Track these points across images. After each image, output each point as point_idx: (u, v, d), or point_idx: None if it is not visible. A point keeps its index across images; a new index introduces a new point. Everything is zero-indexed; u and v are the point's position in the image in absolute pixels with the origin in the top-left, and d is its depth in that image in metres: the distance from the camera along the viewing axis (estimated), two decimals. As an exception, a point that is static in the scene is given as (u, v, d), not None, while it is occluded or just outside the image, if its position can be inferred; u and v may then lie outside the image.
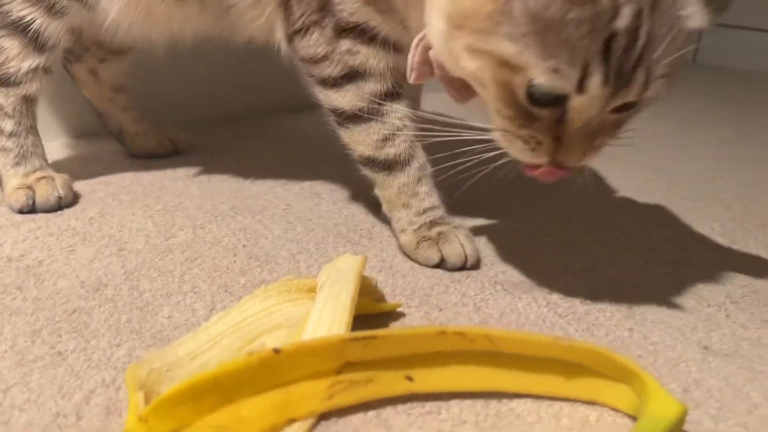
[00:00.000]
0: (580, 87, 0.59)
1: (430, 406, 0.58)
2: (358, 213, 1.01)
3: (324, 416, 0.56)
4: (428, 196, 0.85)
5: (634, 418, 0.56)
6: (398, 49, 0.79)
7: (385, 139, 0.80)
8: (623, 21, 0.56)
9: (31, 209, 0.93)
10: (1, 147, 0.96)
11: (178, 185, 1.09)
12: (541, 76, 0.59)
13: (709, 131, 1.63)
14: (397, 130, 0.80)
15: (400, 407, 0.58)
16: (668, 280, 0.83)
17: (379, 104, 0.77)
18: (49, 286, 0.76)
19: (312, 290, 0.69)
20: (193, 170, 1.15)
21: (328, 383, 0.56)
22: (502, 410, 0.58)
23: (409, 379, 0.57)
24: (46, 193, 0.94)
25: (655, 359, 0.66)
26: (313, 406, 0.55)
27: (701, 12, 0.60)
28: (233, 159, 1.22)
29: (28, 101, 0.96)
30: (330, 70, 0.77)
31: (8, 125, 0.95)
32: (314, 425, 0.55)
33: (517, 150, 0.66)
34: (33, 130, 0.98)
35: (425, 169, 0.84)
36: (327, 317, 0.60)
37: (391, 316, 0.72)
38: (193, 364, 0.60)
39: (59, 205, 0.95)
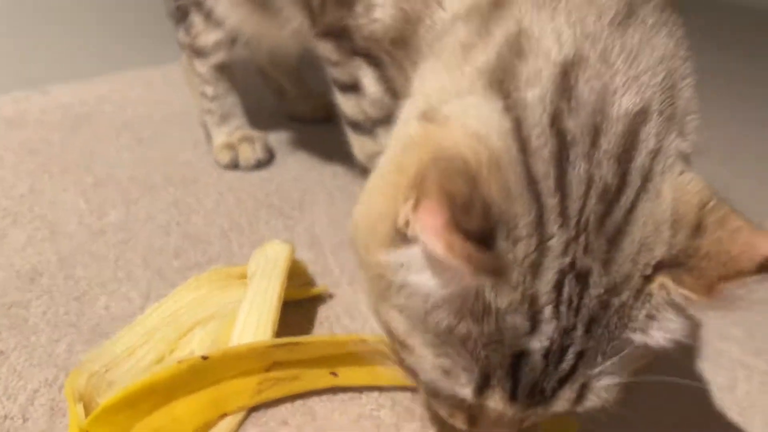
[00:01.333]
0: (479, 395, 0.47)
1: (351, 393, 0.64)
2: (288, 180, 1.04)
3: (254, 408, 0.62)
4: None
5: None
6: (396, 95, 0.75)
7: (375, 156, 0.81)
8: (541, 341, 0.44)
9: (234, 167, 1.06)
10: (207, 109, 1.10)
11: (110, 152, 1.09)
12: (430, 371, 0.48)
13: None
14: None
15: (324, 396, 0.64)
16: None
17: (372, 125, 0.78)
18: (-15, 276, 0.78)
19: (242, 276, 0.73)
20: (123, 136, 1.15)
21: (258, 380, 0.61)
22: (415, 395, 0.65)
23: (334, 374, 0.63)
24: (247, 155, 1.07)
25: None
26: (243, 401, 0.61)
27: (673, 329, 0.45)
28: (165, 125, 1.22)
29: (221, 69, 1.07)
30: (340, 75, 0.79)
31: (209, 90, 1.08)
32: (245, 418, 0.61)
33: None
34: (231, 92, 1.10)
35: None
36: (254, 317, 0.65)
37: (320, 298, 0.77)
38: (131, 360, 0.64)
39: (258, 166, 1.07)
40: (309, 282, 0.78)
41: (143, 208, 0.94)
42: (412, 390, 0.65)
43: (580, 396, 0.46)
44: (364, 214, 0.51)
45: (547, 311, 0.44)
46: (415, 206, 0.40)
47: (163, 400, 0.57)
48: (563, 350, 0.45)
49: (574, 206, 0.44)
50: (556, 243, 0.44)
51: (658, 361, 0.48)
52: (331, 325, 0.74)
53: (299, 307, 0.74)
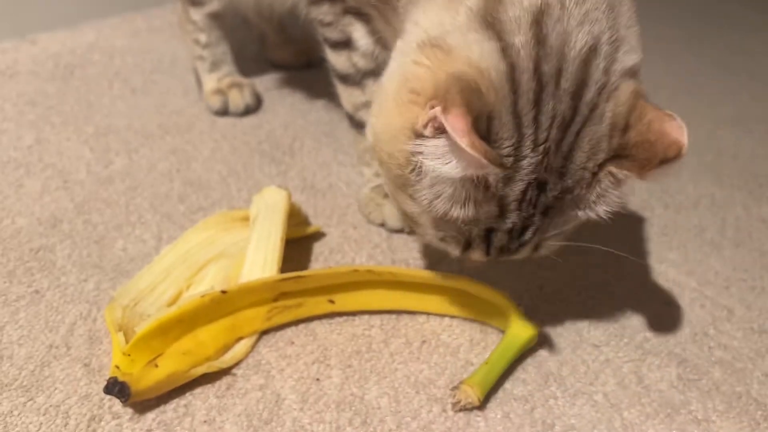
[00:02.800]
0: (464, 252, 0.65)
1: (345, 317, 0.75)
2: (278, 127, 1.12)
3: (264, 332, 0.73)
4: None
5: (502, 331, 0.73)
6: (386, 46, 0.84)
7: (362, 106, 0.89)
8: (506, 224, 0.61)
9: (224, 113, 1.14)
10: (199, 55, 1.17)
11: (105, 102, 1.15)
12: (431, 238, 0.67)
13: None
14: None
15: (324, 320, 0.75)
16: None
17: (362, 77, 0.86)
18: (9, 225, 0.86)
19: (245, 219, 0.83)
20: (115, 86, 1.21)
21: (267, 309, 0.72)
22: (401, 316, 0.76)
23: (331, 301, 0.74)
24: (237, 101, 1.14)
25: (521, 263, 0.85)
26: (255, 326, 0.72)
27: (613, 203, 0.61)
28: (155, 74, 1.27)
29: (215, 17, 1.14)
30: (332, 34, 0.86)
31: (202, 37, 1.15)
32: (257, 340, 0.72)
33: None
34: (223, 41, 1.17)
35: None
36: (260, 255, 0.74)
37: (314, 236, 0.87)
38: (153, 294, 0.74)
39: (247, 111, 1.15)
40: (304, 222, 0.88)
41: (144, 156, 1.02)
42: (397, 312, 0.76)
43: (535, 250, 0.65)
44: (383, 127, 0.63)
45: (513, 206, 0.60)
46: (444, 111, 0.53)
47: (189, 328, 0.68)
48: (524, 229, 0.62)
49: (541, 136, 0.58)
50: (526, 164, 0.58)
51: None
52: (326, 258, 0.84)
53: (297, 244, 0.84)
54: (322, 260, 0.84)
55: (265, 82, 1.26)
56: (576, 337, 0.75)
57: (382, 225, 0.91)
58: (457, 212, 0.59)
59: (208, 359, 0.68)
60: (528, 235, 0.62)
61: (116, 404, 0.64)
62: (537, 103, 0.57)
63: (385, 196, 0.89)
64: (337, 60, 0.87)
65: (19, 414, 0.63)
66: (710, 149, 1.17)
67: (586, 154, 0.59)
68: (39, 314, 0.74)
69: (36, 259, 0.81)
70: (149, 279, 0.76)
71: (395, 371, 0.70)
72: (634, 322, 0.78)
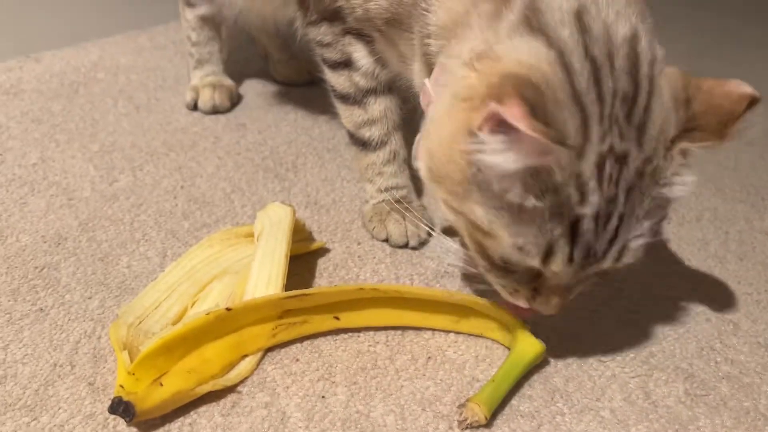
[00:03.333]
0: (545, 262, 0.60)
1: (350, 333, 0.75)
2: (282, 143, 1.12)
3: (269, 349, 0.73)
4: (393, 177, 0.93)
5: (508, 348, 0.73)
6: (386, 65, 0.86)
7: (363, 124, 0.90)
8: (590, 208, 0.57)
9: (193, 108, 1.21)
10: (189, 52, 1.24)
11: (110, 120, 1.16)
12: (508, 248, 0.61)
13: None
14: (376, 120, 0.89)
15: (329, 337, 0.75)
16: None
17: (363, 96, 0.88)
18: (14, 242, 0.86)
19: (249, 235, 0.83)
20: (120, 104, 1.22)
21: (272, 326, 0.72)
22: (406, 332, 0.76)
23: (337, 318, 0.74)
24: (204, 98, 1.20)
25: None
26: (260, 343, 0.71)
27: (688, 182, 0.62)
28: (159, 91, 1.28)
29: (205, 19, 1.21)
30: (331, 54, 0.87)
31: (192, 35, 1.22)
32: (262, 357, 0.72)
33: (498, 288, 0.69)
34: (211, 42, 1.23)
35: (397, 154, 0.93)
36: (265, 272, 0.74)
37: (318, 252, 0.87)
38: (158, 312, 0.74)
39: (214, 111, 1.20)
40: (308, 238, 0.88)
41: (149, 173, 1.02)
42: (402, 329, 0.76)
43: (620, 255, 0.61)
44: (436, 144, 0.64)
45: (592, 184, 0.57)
46: (500, 104, 0.53)
47: (194, 346, 0.68)
48: (609, 215, 0.59)
49: (606, 111, 0.58)
50: (595, 137, 0.57)
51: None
52: (330, 274, 0.84)
53: (301, 260, 0.84)
54: (327, 276, 0.84)
55: (269, 99, 1.26)
56: (582, 352, 0.75)
57: (386, 240, 0.90)
58: (533, 203, 0.57)
59: (213, 377, 0.68)
60: (613, 223, 0.59)
61: (121, 423, 0.64)
62: (596, 82, 0.58)
63: (389, 212, 0.89)
64: (336, 80, 0.88)
65: (23, 434, 0.63)
66: (711, 161, 1.17)
67: (658, 126, 0.60)
68: (43, 332, 0.74)
69: (40, 277, 0.81)
70: (154, 296, 0.76)
71: (401, 388, 0.69)
72: (639, 337, 0.77)
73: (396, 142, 0.92)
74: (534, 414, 0.67)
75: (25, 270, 0.82)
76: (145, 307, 0.74)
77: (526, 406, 0.68)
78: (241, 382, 0.69)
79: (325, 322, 0.74)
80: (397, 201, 0.90)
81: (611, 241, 0.60)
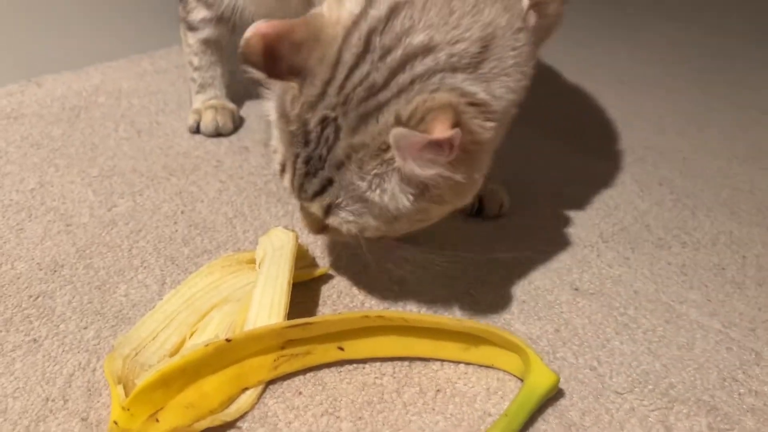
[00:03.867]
0: (281, 175, 0.73)
1: (355, 364, 0.72)
2: (285, 167, 1.10)
3: (271, 382, 0.70)
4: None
5: (521, 379, 0.70)
6: None
7: None
8: (305, 152, 0.68)
9: (196, 131, 1.20)
10: (191, 77, 1.24)
11: (110, 144, 1.14)
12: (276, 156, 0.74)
13: (587, 42, 1.75)
14: None
15: (333, 368, 0.72)
16: (553, 222, 0.99)
17: None
18: (8, 270, 0.84)
19: (251, 262, 0.80)
20: (121, 128, 1.20)
21: (274, 357, 0.69)
22: (413, 363, 0.73)
23: (341, 348, 0.71)
24: (206, 120, 1.19)
25: (535, 303, 0.82)
26: (261, 376, 0.68)
27: (386, 190, 0.66)
28: (160, 115, 1.26)
29: (207, 43, 1.21)
30: None
31: (195, 60, 1.22)
32: (263, 391, 0.69)
33: None
34: (214, 66, 1.23)
35: None
36: (267, 300, 0.72)
37: (322, 279, 0.85)
38: (155, 343, 0.71)
39: (217, 133, 1.19)
40: (312, 264, 0.85)
41: (149, 198, 1.00)
42: (410, 359, 0.73)
43: (327, 211, 0.70)
44: None
45: (313, 135, 0.67)
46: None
47: (193, 379, 0.64)
48: (317, 169, 0.68)
49: (349, 85, 0.65)
50: (329, 99, 0.66)
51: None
52: (334, 302, 0.81)
53: (304, 287, 0.82)
54: (330, 304, 0.81)
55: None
56: (598, 383, 0.71)
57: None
58: (278, 125, 0.70)
59: (212, 412, 0.64)
60: (320, 178, 0.68)
61: (115, 462, 0.61)
62: (357, 59, 0.65)
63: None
64: None
65: (11, 473, 0.59)
66: (725, 185, 1.14)
67: (379, 127, 0.64)
68: (36, 364, 0.71)
69: (35, 306, 0.78)
70: (151, 326, 0.73)
71: (409, 423, 0.66)
72: (657, 367, 0.74)
73: None
74: (549, 451, 0.64)
75: (19, 299, 0.79)
76: (142, 337, 0.71)
77: (541, 442, 0.65)
78: (241, 417, 0.66)
79: (329, 352, 0.71)
80: None
81: (318, 192, 0.69)
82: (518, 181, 1.06)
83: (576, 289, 0.85)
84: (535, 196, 1.04)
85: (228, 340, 0.65)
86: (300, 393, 0.69)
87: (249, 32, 0.64)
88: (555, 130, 1.26)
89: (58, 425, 0.64)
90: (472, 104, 0.64)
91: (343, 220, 0.70)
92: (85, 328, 0.76)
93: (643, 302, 0.83)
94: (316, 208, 0.71)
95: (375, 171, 0.65)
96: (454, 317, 0.71)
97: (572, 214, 1.01)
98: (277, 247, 0.79)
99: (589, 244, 0.94)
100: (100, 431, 0.63)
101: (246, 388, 0.68)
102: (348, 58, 0.65)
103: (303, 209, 0.77)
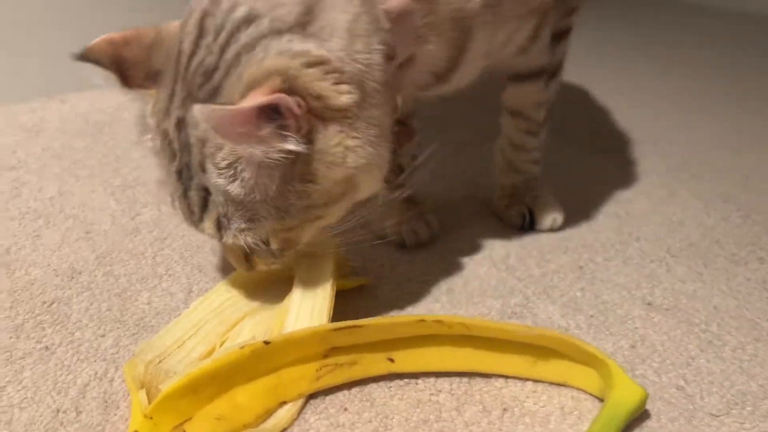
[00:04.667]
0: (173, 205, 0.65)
1: (407, 379, 0.63)
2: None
3: (312, 396, 0.61)
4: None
5: (600, 399, 0.61)
6: None
7: None
8: (173, 166, 0.61)
9: None
10: None
11: (133, 156, 1.08)
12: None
13: (625, 70, 1.69)
14: None
15: (381, 382, 0.63)
16: (615, 237, 0.90)
17: None
18: (22, 276, 0.77)
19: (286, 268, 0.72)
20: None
21: (316, 367, 0.60)
22: (473, 379, 0.64)
23: (390, 360, 0.62)
24: None
25: (605, 318, 0.73)
26: (302, 388, 0.60)
27: (245, 179, 0.57)
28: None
29: None
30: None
31: None
32: (304, 405, 0.60)
33: None
34: None
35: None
36: (308, 304, 0.64)
37: (361, 290, 0.76)
38: (181, 351, 0.63)
39: None
40: (350, 273, 0.77)
41: (175, 208, 0.93)
42: (468, 375, 0.64)
43: (219, 229, 0.61)
44: None
45: (176, 144, 0.60)
46: None
47: (224, 387, 0.56)
48: (189, 179, 0.60)
49: (189, 75, 0.59)
50: (177, 97, 0.59)
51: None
52: (377, 314, 0.73)
53: (343, 298, 0.72)
54: (374, 315, 0.72)
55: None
56: (688, 405, 0.62)
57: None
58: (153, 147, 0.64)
59: (245, 426, 0.56)
60: (196, 189, 0.60)
61: (132, 482, 0.52)
62: (194, 46, 0.59)
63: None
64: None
65: (12, 493, 0.51)
66: None
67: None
68: (47, 373, 0.63)
69: (48, 313, 0.71)
70: (177, 334, 0.65)
71: (473, 444, 0.57)
72: (754, 388, 0.64)
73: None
74: (643, 477, 0.54)
75: (32, 305, 0.72)
76: (167, 345, 0.63)
77: (631, 468, 0.55)
78: (280, 433, 0.57)
79: (378, 364, 0.62)
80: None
81: (203, 209, 0.61)
82: (573, 196, 0.98)
83: (649, 304, 0.76)
84: (592, 212, 0.96)
85: (266, 343, 0.57)
86: (345, 409, 0.60)
87: (94, 41, 0.62)
88: (605, 148, 1.19)
89: (68, 440, 0.55)
90: (310, 65, 0.56)
91: (237, 231, 0.60)
92: (103, 336, 0.68)
93: (725, 318, 0.73)
94: (209, 228, 0.61)
95: (225, 161, 0.57)
96: (520, 323, 0.63)
97: (633, 229, 0.92)
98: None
99: (656, 259, 0.85)
100: (116, 447, 0.55)
101: (284, 402, 0.59)
102: (186, 47, 0.60)
103: (224, 248, 0.69)
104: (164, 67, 0.61)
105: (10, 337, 0.67)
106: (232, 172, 0.57)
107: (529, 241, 0.88)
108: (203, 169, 0.58)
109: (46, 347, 0.66)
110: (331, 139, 0.58)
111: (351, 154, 0.59)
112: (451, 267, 0.82)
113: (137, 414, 0.53)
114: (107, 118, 1.23)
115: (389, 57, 0.62)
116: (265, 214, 0.59)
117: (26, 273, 0.77)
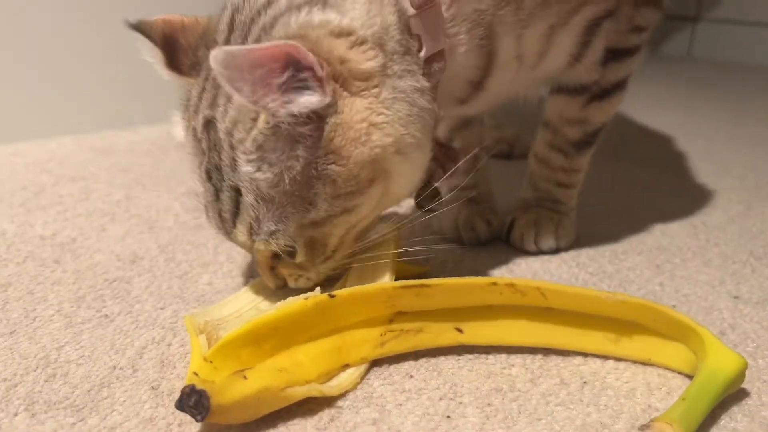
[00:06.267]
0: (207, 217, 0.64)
1: (476, 354, 0.59)
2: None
3: (376, 363, 0.57)
4: (461, 177, 0.83)
5: (689, 377, 0.56)
6: None
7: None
8: (201, 168, 0.61)
9: None
10: None
11: (199, 171, 1.10)
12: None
13: (707, 115, 1.66)
14: None
15: (449, 355, 0.59)
16: (692, 242, 0.85)
17: None
18: (86, 259, 0.77)
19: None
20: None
21: (380, 331, 0.57)
22: (548, 356, 0.59)
23: (459, 330, 0.58)
24: None
25: (688, 309, 0.68)
26: (365, 352, 0.56)
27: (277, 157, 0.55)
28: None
29: None
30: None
31: None
32: (367, 371, 0.56)
33: None
34: None
35: (465, 153, 0.82)
36: (368, 280, 0.61)
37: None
38: (239, 321, 0.61)
39: None
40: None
41: (237, 210, 0.93)
42: (544, 351, 0.59)
43: (251, 234, 0.59)
44: None
45: (204, 144, 0.59)
46: None
47: (286, 342, 0.53)
48: (220, 180, 0.58)
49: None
50: (206, 96, 0.59)
51: None
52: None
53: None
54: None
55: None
56: (793, 386, 0.55)
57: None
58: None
59: (307, 383, 0.52)
60: (227, 191, 0.58)
61: (187, 429, 0.49)
62: (225, 42, 0.59)
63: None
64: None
65: (64, 434, 0.48)
66: None
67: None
68: (105, 337, 0.61)
69: (110, 288, 0.70)
70: (235, 306, 0.64)
71: (552, 413, 0.52)
72: None
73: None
74: (748, 450, 0.48)
75: (94, 281, 0.72)
76: (224, 315, 0.61)
77: (734, 441, 0.49)
78: (342, 395, 0.53)
79: (445, 333, 0.59)
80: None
81: (235, 214, 0.59)
82: (646, 212, 0.94)
83: (736, 297, 0.70)
84: (668, 221, 0.91)
85: (331, 296, 0.55)
86: (411, 376, 0.56)
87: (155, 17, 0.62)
88: (679, 172, 1.15)
89: (124, 392, 0.53)
90: (332, 33, 0.55)
91: (267, 235, 0.58)
92: (162, 308, 0.67)
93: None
94: (241, 234, 0.59)
95: (255, 143, 0.55)
96: (602, 291, 0.58)
97: (711, 237, 0.87)
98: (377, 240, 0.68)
99: (739, 261, 0.80)
100: (171, 400, 0.52)
101: (347, 365, 0.56)
102: (222, 28, 0.59)
103: (254, 259, 0.66)
104: (203, 61, 0.60)
105: (71, 306, 0.66)
106: (260, 154, 0.55)
107: (599, 243, 0.84)
108: (233, 167, 0.56)
109: (106, 315, 0.65)
110: (357, 113, 0.56)
111: (376, 131, 0.56)
112: (519, 263, 0.78)
113: (196, 357, 0.51)
114: (175, 143, 1.26)
115: (417, 49, 0.60)
116: (292, 208, 0.57)
117: (90, 257, 0.77)
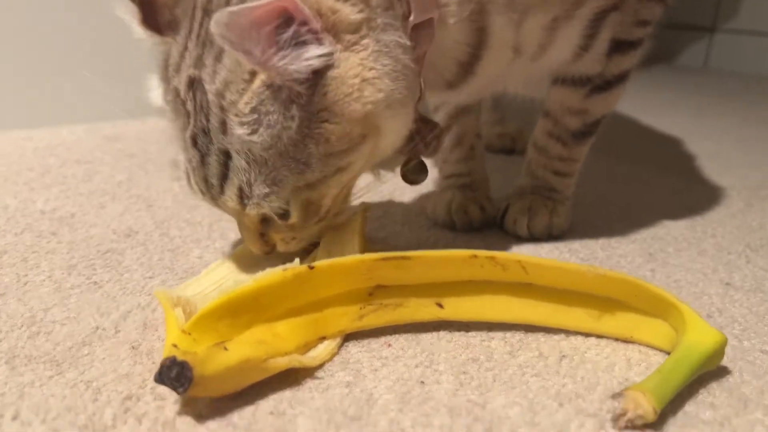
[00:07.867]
0: (188, 184, 0.63)
1: (456, 327, 0.59)
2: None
3: (352, 334, 0.57)
4: (457, 164, 0.87)
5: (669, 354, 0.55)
6: None
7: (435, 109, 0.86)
8: (188, 131, 0.58)
9: None
10: None
11: (202, 158, 1.11)
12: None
13: (716, 119, 1.64)
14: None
15: (429, 329, 0.59)
16: (688, 233, 0.84)
17: None
18: (82, 232, 0.78)
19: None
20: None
21: (359, 305, 0.57)
22: (530, 331, 0.59)
23: (440, 305, 0.58)
24: None
25: (678, 293, 0.67)
26: (343, 325, 0.56)
27: (272, 122, 0.54)
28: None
29: None
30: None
31: None
32: (342, 342, 0.56)
33: None
34: None
35: (462, 140, 0.86)
36: (337, 248, 0.61)
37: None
38: (217, 293, 0.61)
39: None
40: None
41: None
42: (526, 327, 0.59)
43: (241, 198, 0.58)
44: None
45: (189, 105, 0.57)
46: None
47: (264, 314, 0.53)
48: (207, 144, 0.57)
49: (202, 34, 0.56)
50: (189, 54, 0.57)
51: None
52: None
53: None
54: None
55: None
56: (775, 364, 0.55)
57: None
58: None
59: (286, 354, 0.52)
60: (215, 154, 0.57)
61: (162, 388, 0.49)
62: (208, 2, 0.56)
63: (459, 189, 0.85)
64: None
65: (40, 386, 0.49)
66: None
67: (235, 58, 0.54)
68: (92, 301, 0.62)
69: (102, 258, 0.71)
70: (215, 277, 0.64)
71: (527, 383, 0.51)
72: None
73: (458, 128, 0.87)
74: (723, 422, 0.47)
75: (87, 252, 0.73)
76: (204, 287, 0.62)
77: (709, 414, 0.48)
78: (320, 366, 0.53)
79: (425, 308, 0.59)
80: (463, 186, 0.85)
81: (223, 178, 0.58)
82: (645, 207, 0.93)
83: (727, 284, 0.70)
84: (666, 213, 0.91)
85: (311, 267, 0.55)
86: (389, 345, 0.56)
87: None
88: (682, 170, 1.14)
89: (104, 350, 0.54)
90: None
91: (259, 199, 0.57)
92: (151, 277, 0.67)
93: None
94: (231, 199, 0.58)
95: (249, 105, 0.54)
96: (584, 264, 0.57)
97: (708, 228, 0.86)
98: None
99: (734, 252, 0.79)
100: (150, 359, 0.53)
101: (324, 337, 0.56)
102: (200, 1, 0.57)
103: (240, 225, 0.64)
104: (181, 20, 0.58)
105: (63, 273, 0.67)
106: (255, 116, 0.54)
107: (594, 231, 0.83)
108: (224, 130, 0.55)
109: (95, 282, 0.66)
110: (350, 68, 0.55)
111: (368, 86, 0.56)
112: (510, 248, 0.78)
113: (173, 329, 0.50)
114: (154, 110, 1.28)
115: (406, 14, 0.59)
116: (286, 171, 0.57)
117: (86, 231, 0.79)
